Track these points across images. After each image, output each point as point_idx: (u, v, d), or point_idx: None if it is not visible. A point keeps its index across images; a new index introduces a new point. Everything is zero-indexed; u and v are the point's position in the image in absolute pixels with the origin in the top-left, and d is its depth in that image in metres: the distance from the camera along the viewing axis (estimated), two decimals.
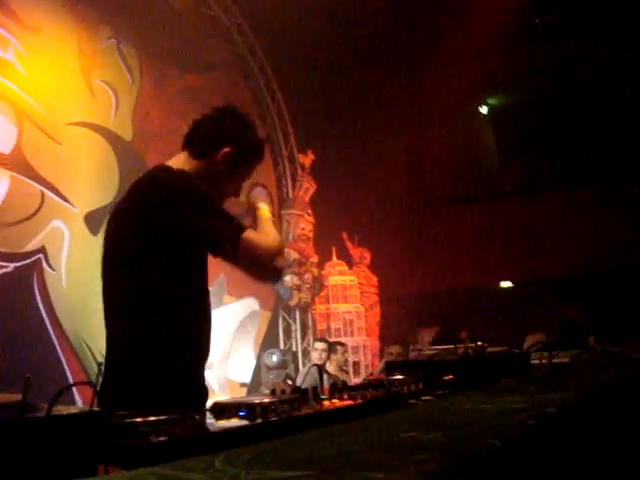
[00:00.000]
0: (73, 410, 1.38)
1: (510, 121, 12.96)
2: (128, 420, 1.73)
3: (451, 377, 2.96)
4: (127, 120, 8.29)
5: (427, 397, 2.59)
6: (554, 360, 3.64)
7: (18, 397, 1.36)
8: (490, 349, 3.41)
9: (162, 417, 1.78)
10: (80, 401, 5.60)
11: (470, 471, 1.04)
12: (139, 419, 1.73)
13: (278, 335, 10.32)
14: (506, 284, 13.52)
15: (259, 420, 2.00)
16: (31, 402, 1.34)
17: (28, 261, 6.96)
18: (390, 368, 3.33)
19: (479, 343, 3.38)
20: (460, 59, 11.12)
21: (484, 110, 13.78)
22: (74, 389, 2.75)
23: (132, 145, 8.32)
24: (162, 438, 1.66)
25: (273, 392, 2.53)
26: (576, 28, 11.31)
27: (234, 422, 1.99)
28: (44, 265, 7.08)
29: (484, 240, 12.49)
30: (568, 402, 1.70)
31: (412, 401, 2.49)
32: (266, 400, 2.14)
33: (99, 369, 1.62)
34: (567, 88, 12.09)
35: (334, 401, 2.44)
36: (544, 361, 3.83)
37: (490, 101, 13.75)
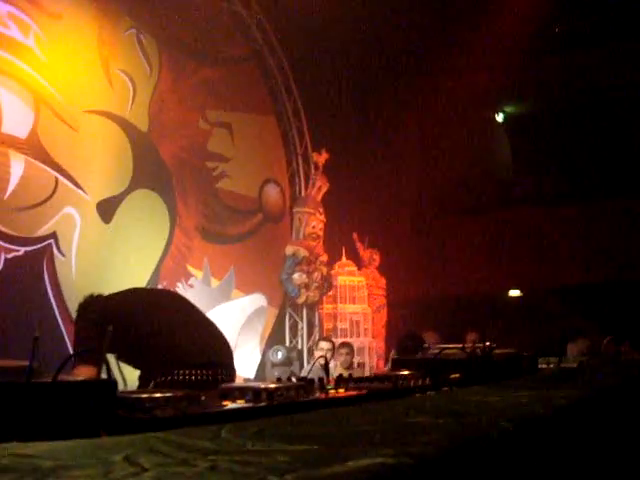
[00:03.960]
0: (79, 378, 1.38)
1: (525, 130, 12.91)
2: (134, 395, 1.73)
3: (457, 375, 2.95)
4: (144, 111, 8.29)
5: (433, 392, 2.58)
6: (562, 365, 3.62)
7: (26, 363, 1.35)
8: (497, 350, 3.40)
9: (168, 394, 1.78)
10: None
11: (482, 450, 1.03)
12: (145, 395, 1.73)
13: (284, 332, 10.31)
14: (515, 292, 13.46)
15: (264, 403, 2.00)
16: (39, 369, 1.34)
17: (39, 246, 6.97)
18: (397, 365, 3.32)
19: (487, 343, 3.37)
20: (477, 67, 11.09)
21: (500, 118, 13.73)
22: None
23: (147, 136, 8.32)
24: (167, 413, 1.66)
25: (279, 380, 2.53)
26: (594, 38, 11.25)
27: (239, 404, 1.98)
28: (54, 250, 7.09)
29: (494, 248, 12.44)
30: (576, 397, 1.69)
31: (418, 395, 2.48)
32: (272, 385, 2.14)
33: (107, 334, 1.61)
34: (583, 98, 12.05)
35: (340, 391, 2.43)
36: (551, 365, 3.81)
37: (506, 109, 13.70)
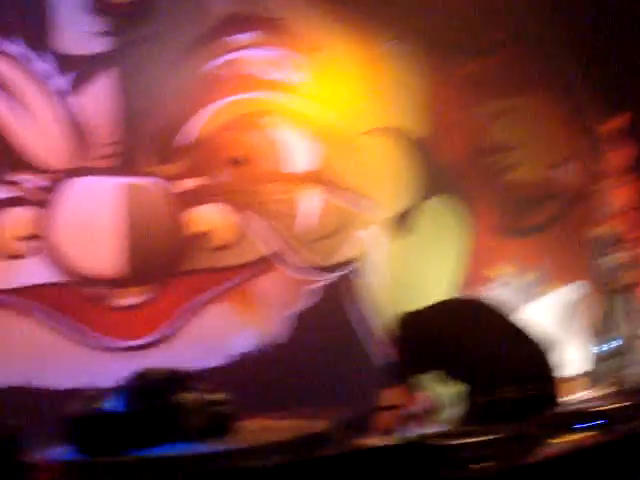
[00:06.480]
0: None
1: None
2: (445, 443, 1.48)
3: None
4: (419, 117, 8.24)
5: None
6: None
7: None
8: None
9: (485, 438, 1.50)
10: None
11: None
12: (456, 442, 1.48)
13: (612, 321, 9.54)
14: None
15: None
16: None
17: (339, 273, 7.22)
18: None
19: None
20: None
21: None
22: None
23: (427, 141, 8.26)
24: (492, 467, 1.38)
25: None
26: None
27: (571, 438, 1.64)
28: (355, 275, 7.31)
29: None
30: None
31: None
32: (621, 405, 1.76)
33: None
34: None
35: None
36: None
37: None
